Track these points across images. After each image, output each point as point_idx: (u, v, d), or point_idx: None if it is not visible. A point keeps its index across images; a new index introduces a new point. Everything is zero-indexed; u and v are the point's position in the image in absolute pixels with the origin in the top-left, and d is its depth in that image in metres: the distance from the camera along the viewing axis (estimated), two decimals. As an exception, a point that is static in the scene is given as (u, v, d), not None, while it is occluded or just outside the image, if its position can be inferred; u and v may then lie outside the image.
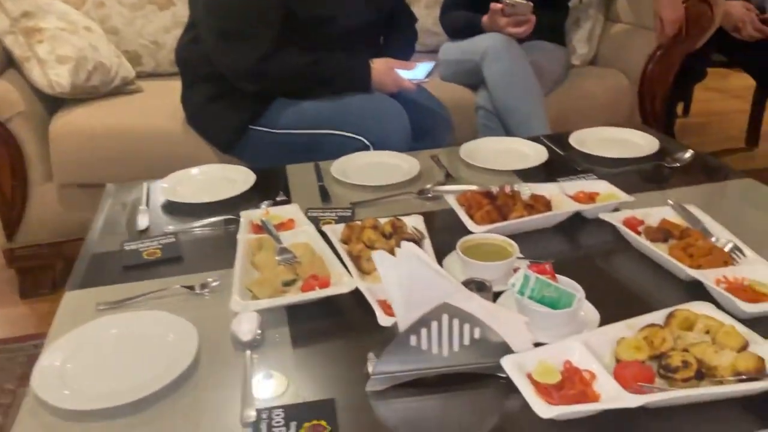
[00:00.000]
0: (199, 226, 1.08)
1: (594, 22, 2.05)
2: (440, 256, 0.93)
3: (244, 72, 1.40)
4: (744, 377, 0.65)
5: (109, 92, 1.70)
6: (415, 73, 1.49)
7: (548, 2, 1.89)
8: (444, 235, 0.97)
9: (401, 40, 1.68)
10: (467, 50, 1.84)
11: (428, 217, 1.04)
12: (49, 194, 1.59)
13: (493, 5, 1.74)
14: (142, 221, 1.10)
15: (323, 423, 0.64)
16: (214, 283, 0.90)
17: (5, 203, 1.54)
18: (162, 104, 1.66)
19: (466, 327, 0.68)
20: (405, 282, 0.67)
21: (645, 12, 1.93)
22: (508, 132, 1.73)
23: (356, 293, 0.83)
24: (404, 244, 0.74)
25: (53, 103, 1.64)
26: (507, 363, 0.67)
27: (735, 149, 2.48)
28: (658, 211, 1.01)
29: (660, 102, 2.00)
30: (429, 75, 1.50)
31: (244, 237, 0.97)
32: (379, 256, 0.69)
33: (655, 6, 1.85)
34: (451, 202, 1.07)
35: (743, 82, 2.27)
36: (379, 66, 1.46)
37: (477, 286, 0.74)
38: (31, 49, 1.55)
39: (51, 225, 1.61)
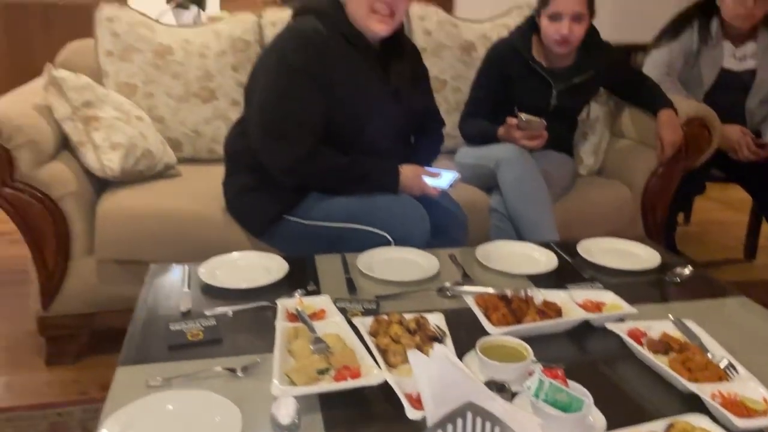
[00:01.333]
0: (238, 311, 1.18)
1: (600, 137, 2.22)
2: (460, 353, 1.01)
3: (286, 168, 1.53)
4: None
5: (152, 176, 1.84)
6: (439, 181, 1.62)
7: (558, 116, 2.07)
8: (463, 333, 1.06)
9: (429, 145, 1.83)
10: (483, 157, 2.00)
11: (448, 315, 1.13)
12: (87, 267, 1.69)
13: (510, 120, 1.91)
14: (185, 303, 1.19)
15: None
16: (253, 367, 0.99)
17: (47, 274, 1.64)
18: (199, 189, 1.80)
19: (488, 426, 0.76)
20: (436, 380, 0.76)
21: (647, 131, 2.10)
22: (519, 234, 1.85)
23: (385, 385, 0.91)
24: (437, 346, 0.83)
25: (101, 184, 1.78)
26: (523, 460, 0.75)
27: (733, 260, 2.59)
28: (660, 325, 1.10)
29: (661, 213, 2.13)
30: (452, 185, 1.63)
31: (282, 325, 1.07)
32: (414, 356, 0.78)
33: (656, 128, 2.02)
34: (470, 302, 1.17)
35: (741, 195, 2.41)
36: (407, 171, 1.60)
37: (497, 387, 0.83)
38: (87, 135, 1.70)
39: (85, 297, 1.70)
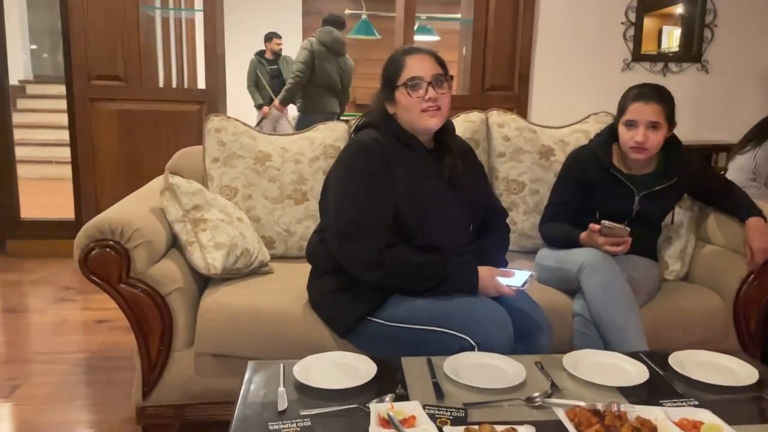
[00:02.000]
0: (332, 412, 1.22)
1: (686, 242, 2.20)
2: (553, 470, 1.01)
3: (365, 264, 1.62)
4: None
5: (248, 273, 1.97)
6: (514, 280, 1.65)
7: (642, 222, 2.07)
8: (555, 448, 1.06)
9: (497, 237, 1.89)
10: (564, 260, 2.01)
11: (539, 428, 1.13)
12: (187, 360, 1.80)
13: (592, 226, 1.93)
14: (282, 403, 1.25)
15: None
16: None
17: (149, 365, 1.76)
18: (289, 287, 1.90)
19: None
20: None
21: (735, 237, 2.06)
22: (605, 341, 1.81)
23: (480, 500, 0.92)
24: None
25: (203, 280, 1.92)
26: None
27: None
28: (763, 449, 1.06)
29: (756, 323, 2.05)
30: (526, 284, 1.65)
31: (376, 430, 1.10)
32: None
33: (745, 235, 1.98)
34: (561, 416, 1.17)
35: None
36: (482, 273, 1.65)
37: None
38: (195, 236, 1.86)
39: (182, 388, 1.80)
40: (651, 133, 1.95)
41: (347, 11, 6.51)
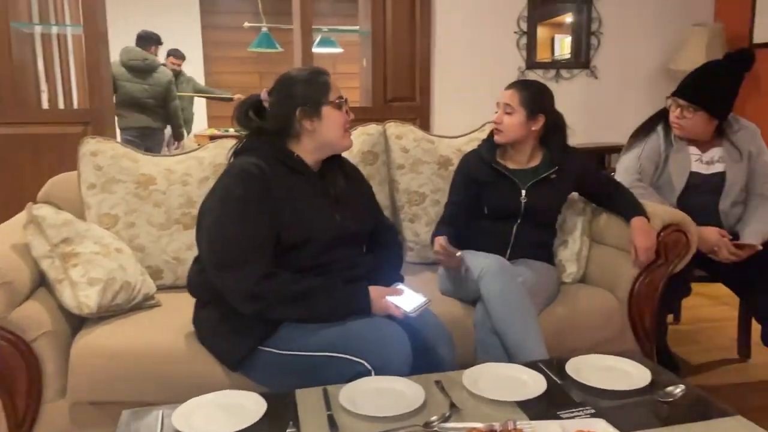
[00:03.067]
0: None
1: (581, 244, 2.24)
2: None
3: (242, 296, 1.52)
4: None
5: (130, 308, 1.81)
6: (405, 301, 1.59)
7: (532, 218, 2.11)
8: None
9: (390, 254, 1.84)
10: (466, 268, 1.99)
11: (434, 457, 1.08)
12: (59, 411, 1.62)
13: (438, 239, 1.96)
14: (157, 456, 1.13)
15: None
16: None
17: (16, 422, 1.56)
18: (176, 320, 1.76)
19: None
20: None
21: (626, 237, 2.11)
22: (505, 348, 1.81)
23: None
24: None
25: (78, 321, 1.74)
26: None
27: (729, 360, 2.54)
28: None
29: (649, 318, 2.10)
30: (418, 310, 1.58)
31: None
32: None
33: (630, 234, 2.04)
34: (456, 441, 1.12)
35: (729, 290, 2.40)
36: (372, 294, 1.58)
37: None
38: (65, 273, 1.69)
39: (56, 442, 1.62)
40: (505, 116, 2.08)
41: (246, 24, 6.34)
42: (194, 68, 6.70)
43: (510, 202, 2.10)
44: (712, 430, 1.23)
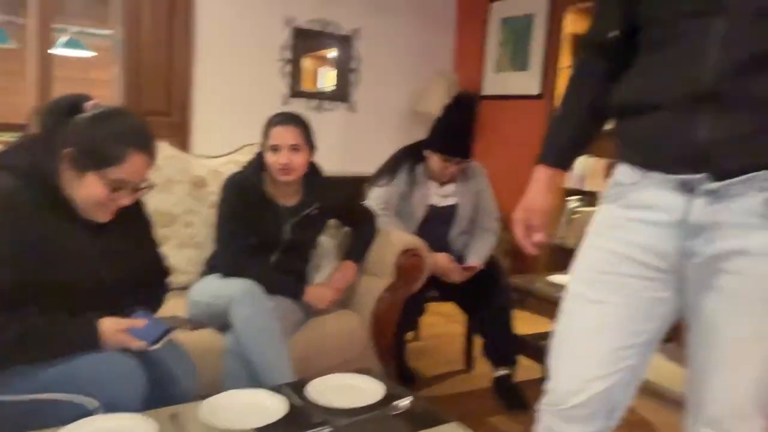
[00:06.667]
0: None
1: (333, 268, 2.33)
2: None
3: None
4: None
5: None
6: (146, 332, 1.47)
7: (293, 249, 2.14)
8: None
9: (151, 294, 1.67)
10: (216, 294, 1.94)
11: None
12: None
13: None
14: None
15: None
16: None
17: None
18: None
19: None
20: None
21: (372, 262, 2.26)
22: (254, 374, 1.79)
23: None
24: None
25: None
26: None
27: (456, 371, 2.86)
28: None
29: (390, 336, 2.28)
30: (160, 342, 1.47)
31: None
32: None
33: (335, 271, 2.23)
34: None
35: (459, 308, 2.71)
36: (105, 325, 1.43)
37: None
38: None
39: None
40: (293, 155, 2.06)
41: (-27, 11, 5.44)
42: None
43: (274, 234, 2.10)
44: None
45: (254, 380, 1.77)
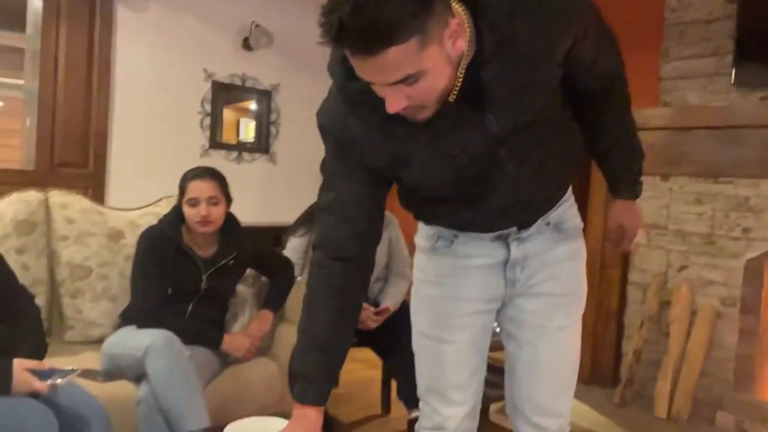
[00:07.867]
0: None
1: (249, 316, 2.38)
2: None
3: None
4: None
5: None
6: (50, 373, 1.51)
7: (210, 298, 2.19)
8: None
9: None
10: (129, 345, 1.95)
11: None
12: None
13: None
14: None
15: None
16: None
17: None
18: None
19: None
20: None
21: (291, 310, 2.33)
22: (168, 424, 1.80)
23: None
24: None
25: None
26: None
27: (374, 416, 2.94)
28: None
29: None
30: (65, 377, 1.51)
31: None
32: None
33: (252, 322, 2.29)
34: None
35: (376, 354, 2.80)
36: (15, 365, 1.46)
37: None
38: None
39: None
40: (212, 207, 2.14)
41: None
42: None
43: (192, 285, 2.15)
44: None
45: (170, 428, 1.79)
